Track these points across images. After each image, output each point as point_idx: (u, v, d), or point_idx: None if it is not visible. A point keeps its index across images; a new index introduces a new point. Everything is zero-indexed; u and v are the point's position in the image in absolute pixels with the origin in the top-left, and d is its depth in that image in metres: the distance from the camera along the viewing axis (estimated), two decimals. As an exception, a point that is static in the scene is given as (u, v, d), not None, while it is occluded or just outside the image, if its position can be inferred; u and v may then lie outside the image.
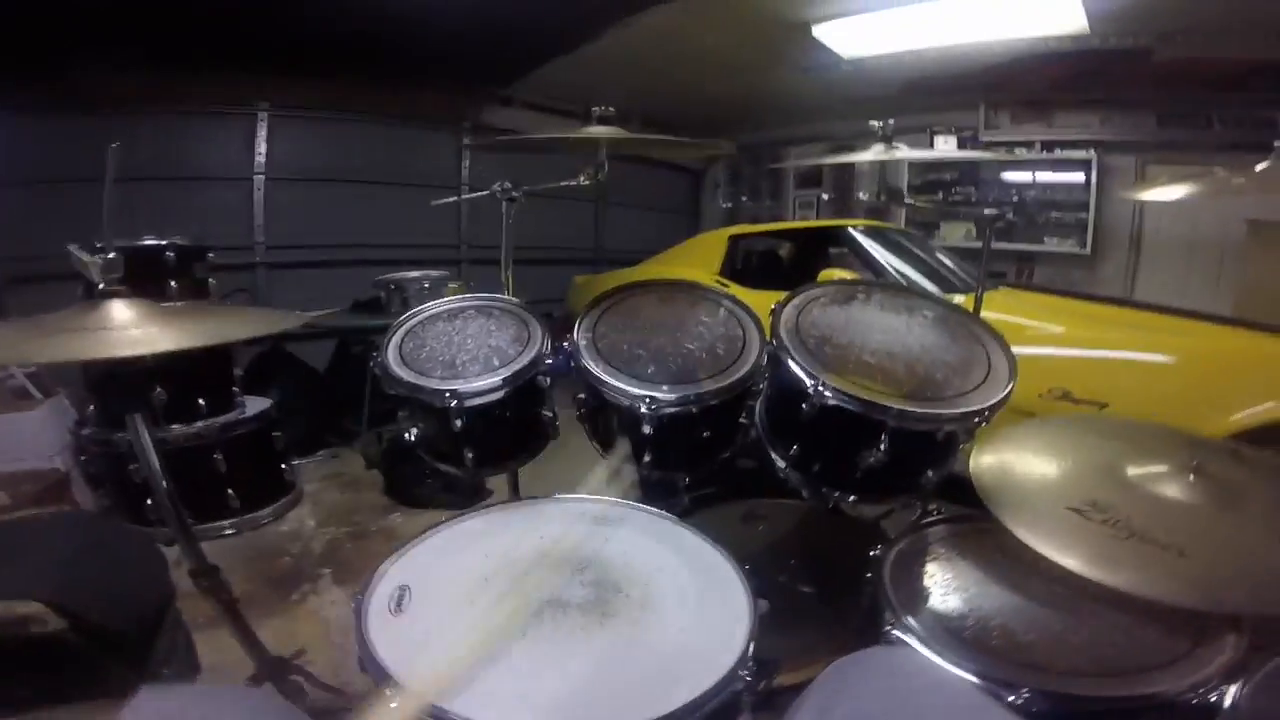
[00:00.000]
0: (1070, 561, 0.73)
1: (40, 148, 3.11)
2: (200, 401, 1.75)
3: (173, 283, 1.82)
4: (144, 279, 1.78)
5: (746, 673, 0.66)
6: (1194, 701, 0.65)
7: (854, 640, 0.83)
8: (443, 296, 1.35)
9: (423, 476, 2.24)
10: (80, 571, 1.63)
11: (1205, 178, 1.74)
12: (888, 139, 1.41)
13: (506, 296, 1.29)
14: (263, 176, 3.89)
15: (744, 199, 6.10)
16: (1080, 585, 0.73)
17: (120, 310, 0.74)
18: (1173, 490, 0.82)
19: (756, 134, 5.68)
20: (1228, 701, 0.63)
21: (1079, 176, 4.31)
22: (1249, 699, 0.63)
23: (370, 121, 4.17)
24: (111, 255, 0.81)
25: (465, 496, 1.95)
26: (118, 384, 0.97)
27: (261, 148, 3.88)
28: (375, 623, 0.69)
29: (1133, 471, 0.86)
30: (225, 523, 1.81)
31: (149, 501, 1.34)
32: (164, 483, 0.94)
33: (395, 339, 1.16)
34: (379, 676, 0.62)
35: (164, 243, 1.85)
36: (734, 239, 3.36)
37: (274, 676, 1.15)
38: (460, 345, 1.15)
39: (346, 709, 1.14)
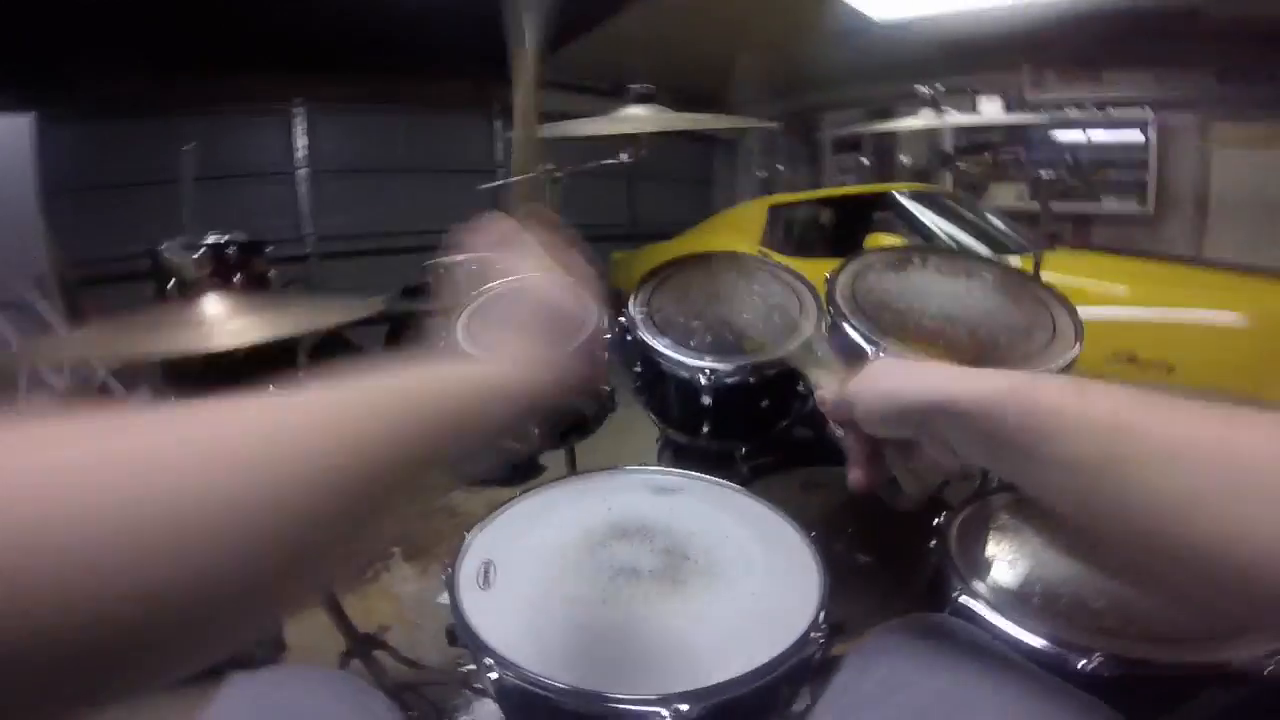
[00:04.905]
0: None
1: (88, 154, 3.24)
2: (270, 388, 1.85)
3: (237, 276, 1.92)
4: (211, 274, 1.88)
5: (820, 635, 0.68)
6: (1268, 670, 0.63)
7: (914, 607, 0.84)
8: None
9: (480, 455, 2.31)
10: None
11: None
12: (936, 104, 1.36)
13: (561, 276, 1.30)
14: (305, 170, 4.00)
15: (779, 168, 5.98)
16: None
17: (214, 305, 0.79)
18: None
19: (791, 101, 5.53)
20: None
21: (1136, 135, 4.10)
22: None
23: (404, 112, 4.24)
24: (200, 253, 0.86)
25: (521, 473, 2.00)
26: (207, 376, 1.03)
27: (301, 142, 3.98)
28: (466, 596, 0.73)
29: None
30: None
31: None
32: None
33: (461, 320, 1.18)
34: (476, 648, 0.66)
35: (225, 239, 1.94)
36: (774, 208, 3.31)
37: (361, 654, 1.21)
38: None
39: (426, 683, 1.20)
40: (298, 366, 2.01)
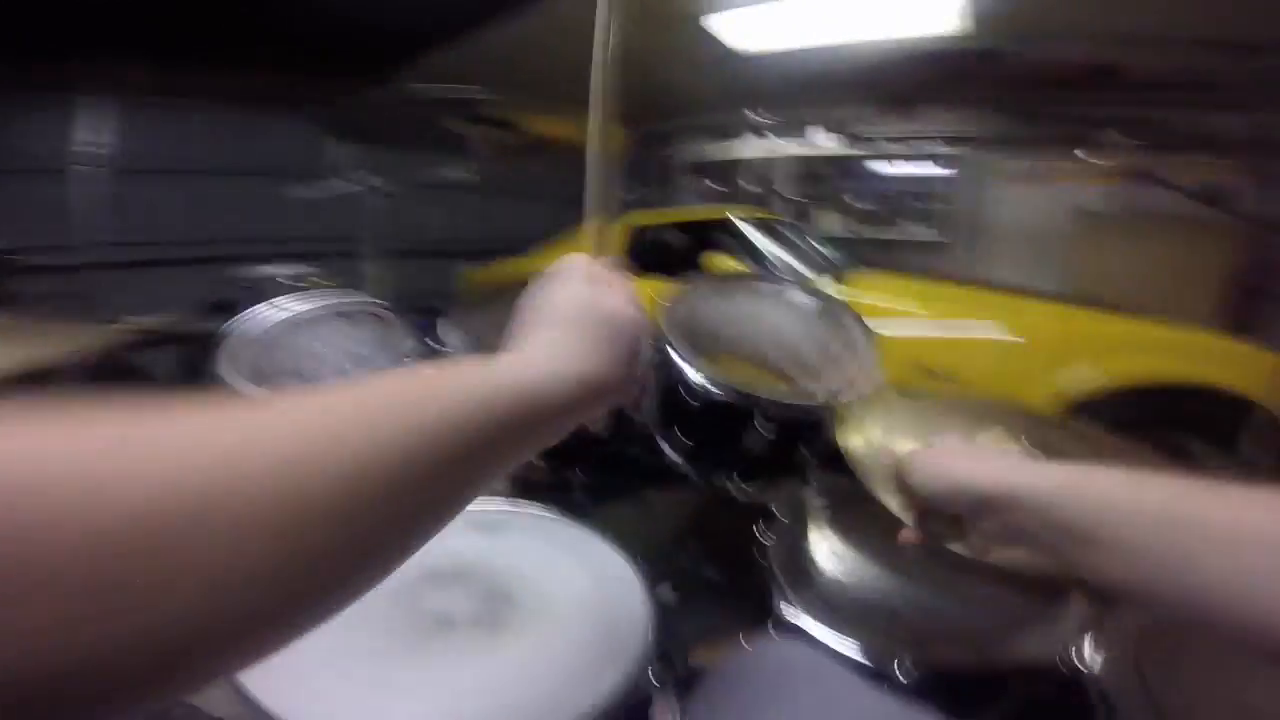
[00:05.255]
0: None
1: None
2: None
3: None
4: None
5: (650, 673, 0.66)
6: (1055, 659, 0.71)
7: (754, 618, 0.87)
8: (304, 293, 1.23)
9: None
10: None
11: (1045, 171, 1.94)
12: (759, 132, 1.44)
13: (364, 296, 1.20)
14: (87, 167, 3.42)
15: (640, 186, 6.16)
16: (944, 555, 0.76)
17: None
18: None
19: (653, 123, 5.73)
20: (1088, 656, 0.69)
21: (941, 170, 4.75)
22: (1102, 654, 0.68)
23: (218, 106, 3.78)
24: None
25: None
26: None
27: (84, 135, 3.40)
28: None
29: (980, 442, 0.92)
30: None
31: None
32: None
33: (234, 350, 1.05)
34: (255, 708, 0.57)
35: None
36: (627, 227, 3.39)
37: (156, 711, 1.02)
38: (312, 353, 1.05)
39: None
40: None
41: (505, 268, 3.87)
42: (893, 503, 0.70)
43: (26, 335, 1.04)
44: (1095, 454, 0.93)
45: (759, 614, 0.86)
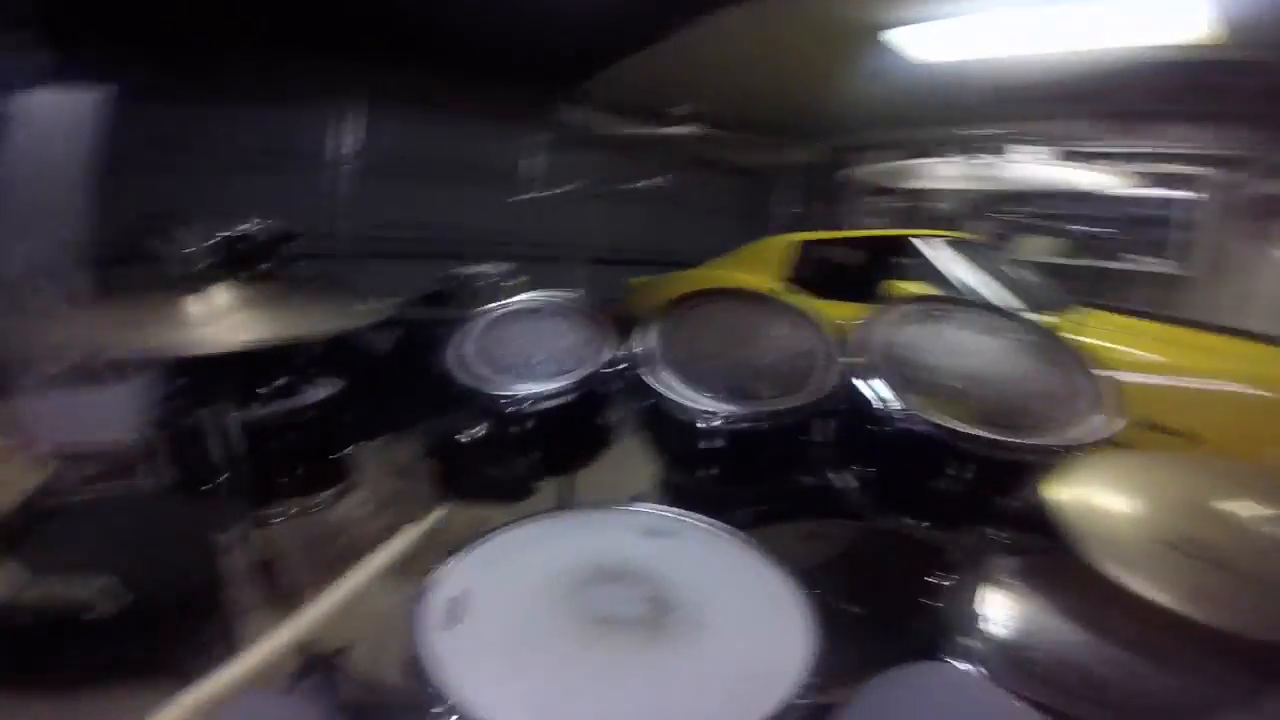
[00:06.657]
0: (1163, 597, 0.69)
1: (134, 130, 3.25)
2: (274, 383, 1.83)
3: (259, 265, 1.92)
4: (231, 261, 1.90)
5: (805, 697, 0.64)
6: None
7: (905, 661, 0.80)
8: (510, 293, 1.36)
9: (475, 471, 2.28)
10: (136, 557, 1.69)
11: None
12: (969, 152, 1.31)
13: (582, 298, 1.29)
14: (349, 165, 4.07)
15: (814, 204, 5.98)
16: (1156, 623, 0.69)
17: (218, 296, 0.77)
18: (1269, 527, 0.78)
19: (830, 138, 5.55)
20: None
21: (1186, 194, 3.97)
22: None
23: (455, 116, 4.28)
24: (211, 242, 0.84)
25: (515, 494, 1.96)
26: (206, 368, 1.01)
27: (352, 136, 4.05)
28: (432, 631, 0.69)
29: (1225, 507, 0.82)
30: (280, 507, 1.87)
31: (214, 482, 1.40)
32: (238, 472, 0.98)
33: (471, 334, 1.17)
34: (434, 689, 0.62)
35: (253, 226, 1.94)
36: (800, 245, 3.29)
37: (314, 674, 1.17)
38: (536, 344, 1.16)
39: (384, 705, 1.16)
40: (307, 364, 2.00)
41: (672, 281, 3.95)
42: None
43: (302, 308, 1.23)
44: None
45: (909, 657, 0.79)
